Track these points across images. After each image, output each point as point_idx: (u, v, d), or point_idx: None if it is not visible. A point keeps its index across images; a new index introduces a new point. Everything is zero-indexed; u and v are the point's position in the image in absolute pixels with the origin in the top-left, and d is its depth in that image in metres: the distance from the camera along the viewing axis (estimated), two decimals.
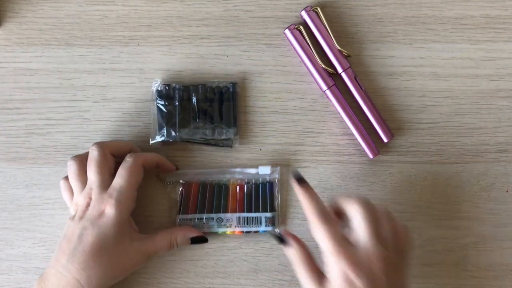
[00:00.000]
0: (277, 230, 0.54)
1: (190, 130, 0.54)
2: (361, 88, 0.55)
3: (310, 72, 0.55)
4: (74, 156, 0.51)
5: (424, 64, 0.56)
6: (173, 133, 0.54)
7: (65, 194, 0.52)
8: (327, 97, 0.55)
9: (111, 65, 0.56)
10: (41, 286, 0.48)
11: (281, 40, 0.56)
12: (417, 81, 0.56)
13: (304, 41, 0.55)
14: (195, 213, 0.54)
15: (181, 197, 0.54)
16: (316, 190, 0.45)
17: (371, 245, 0.41)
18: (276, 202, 0.54)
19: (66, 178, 0.52)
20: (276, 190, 0.54)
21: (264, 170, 0.54)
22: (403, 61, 0.56)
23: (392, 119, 0.56)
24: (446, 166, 0.56)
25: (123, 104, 0.56)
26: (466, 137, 0.56)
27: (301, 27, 0.55)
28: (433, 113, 0.56)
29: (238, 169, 0.55)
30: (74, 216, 0.49)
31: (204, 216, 0.54)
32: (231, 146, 0.55)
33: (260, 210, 0.54)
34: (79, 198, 0.50)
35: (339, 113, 0.55)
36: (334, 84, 0.55)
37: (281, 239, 0.46)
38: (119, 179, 0.49)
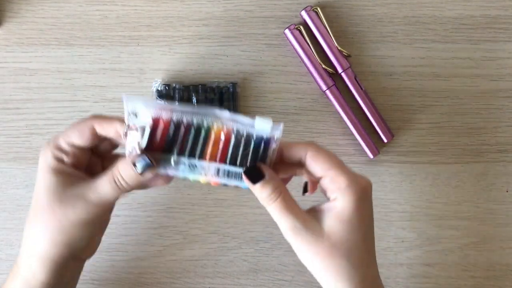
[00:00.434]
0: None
1: None
2: (361, 88, 0.55)
3: (310, 72, 0.55)
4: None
5: (424, 64, 0.56)
6: None
7: None
8: (327, 97, 0.55)
9: (111, 65, 0.56)
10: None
11: (281, 40, 0.56)
12: (417, 81, 0.56)
13: (304, 41, 0.55)
14: (163, 151, 0.41)
15: (147, 130, 0.41)
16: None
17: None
18: (268, 162, 0.42)
19: None
20: (272, 149, 0.42)
21: (262, 125, 0.41)
22: (403, 61, 0.56)
23: (392, 119, 0.56)
24: (446, 166, 0.56)
25: (123, 104, 0.56)
26: (466, 137, 0.56)
27: (301, 27, 0.55)
28: (433, 113, 0.56)
29: (226, 114, 0.42)
30: None
31: (172, 157, 0.41)
32: None
33: (248, 165, 0.42)
34: None
35: (339, 113, 0.55)
36: (334, 84, 0.55)
37: (255, 174, 0.40)
38: None
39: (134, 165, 0.40)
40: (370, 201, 0.41)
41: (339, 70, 0.55)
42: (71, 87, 0.56)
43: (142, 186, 0.43)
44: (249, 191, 0.43)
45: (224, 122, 0.42)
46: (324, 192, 0.42)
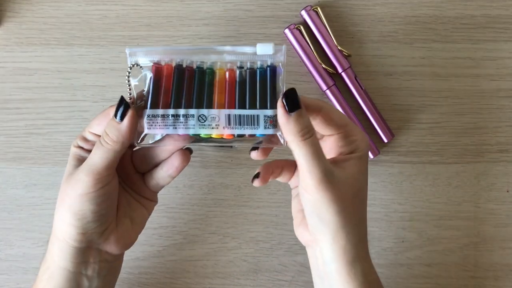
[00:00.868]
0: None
1: None
2: (361, 88, 0.55)
3: (310, 72, 0.55)
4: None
5: (425, 64, 0.56)
6: None
7: None
8: (327, 97, 0.55)
9: (110, 65, 0.56)
10: None
11: (281, 40, 0.56)
12: (418, 81, 0.56)
13: (304, 40, 0.55)
14: (169, 107, 0.40)
15: (150, 85, 0.40)
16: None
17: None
18: (280, 95, 0.39)
19: None
20: (280, 78, 0.40)
21: (264, 49, 0.39)
22: (403, 61, 0.56)
23: (392, 119, 0.56)
24: (447, 166, 0.56)
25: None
26: (466, 137, 0.56)
27: (301, 26, 0.55)
28: (433, 113, 0.56)
29: (227, 48, 0.40)
30: None
31: (181, 112, 0.40)
32: (231, 146, 0.55)
33: (258, 106, 0.40)
34: None
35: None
36: (334, 84, 0.55)
37: (293, 100, 0.39)
38: None
39: (115, 115, 0.40)
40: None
41: (339, 70, 0.55)
42: (70, 87, 0.56)
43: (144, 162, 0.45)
44: (261, 140, 0.41)
45: (225, 58, 0.40)
46: (335, 147, 0.43)
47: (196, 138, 0.42)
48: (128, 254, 0.55)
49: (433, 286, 0.55)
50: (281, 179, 0.46)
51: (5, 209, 0.55)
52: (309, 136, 0.39)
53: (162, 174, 0.46)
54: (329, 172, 0.40)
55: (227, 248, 0.55)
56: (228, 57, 0.40)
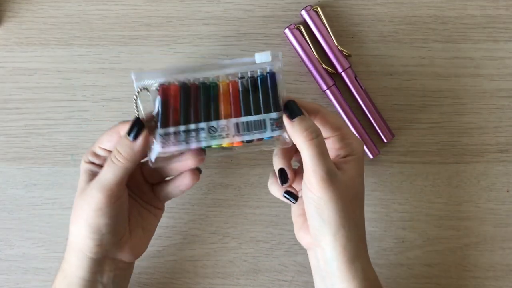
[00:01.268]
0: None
1: None
2: (361, 88, 0.55)
3: (310, 71, 0.55)
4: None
5: (425, 64, 0.56)
6: None
7: None
8: (327, 97, 0.55)
9: (110, 65, 0.56)
10: None
11: (281, 40, 0.56)
12: (418, 81, 0.56)
13: (304, 40, 0.55)
14: (180, 123, 0.42)
15: (159, 106, 0.42)
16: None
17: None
18: (282, 98, 0.43)
19: None
20: (279, 82, 0.43)
21: (263, 57, 0.42)
22: (403, 61, 0.56)
23: (392, 119, 0.56)
24: (447, 166, 0.56)
25: (122, 104, 0.56)
26: (466, 137, 0.56)
27: (301, 26, 0.55)
28: (433, 113, 0.56)
29: (227, 61, 0.43)
30: None
31: (192, 126, 0.42)
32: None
33: (262, 111, 0.42)
34: None
35: (339, 113, 0.55)
36: (334, 84, 0.55)
37: (293, 108, 0.42)
38: None
39: (128, 134, 0.42)
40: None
41: (339, 69, 0.55)
42: (70, 87, 0.56)
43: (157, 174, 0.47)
44: (272, 141, 0.44)
45: (226, 71, 0.42)
46: (333, 150, 0.45)
47: (208, 151, 0.44)
48: None
49: (433, 286, 0.55)
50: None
51: (5, 209, 0.55)
52: (315, 136, 0.42)
53: (173, 188, 0.48)
54: (333, 172, 0.42)
55: (227, 248, 0.55)
56: (229, 70, 0.42)
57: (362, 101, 0.55)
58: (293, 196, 0.46)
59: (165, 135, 0.42)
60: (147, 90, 0.42)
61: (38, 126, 0.56)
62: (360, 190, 0.45)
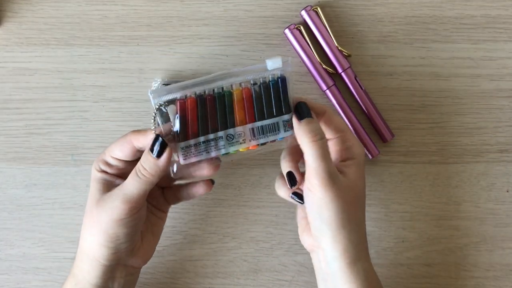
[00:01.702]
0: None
1: None
2: (361, 88, 0.55)
3: (310, 72, 0.55)
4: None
5: (425, 64, 0.56)
6: None
7: None
8: (327, 97, 0.55)
9: (110, 65, 0.56)
10: None
11: (281, 40, 0.56)
12: (417, 81, 0.56)
13: (304, 41, 0.55)
14: (198, 135, 0.44)
15: (178, 121, 0.44)
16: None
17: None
18: (291, 100, 0.45)
19: None
20: (290, 86, 0.45)
21: (274, 64, 0.44)
22: (403, 61, 0.56)
23: (392, 119, 0.56)
24: (446, 166, 0.56)
25: (122, 104, 0.56)
26: (466, 137, 0.56)
27: (301, 26, 0.55)
28: (433, 113, 0.56)
29: (237, 69, 0.44)
30: None
31: (211, 136, 0.44)
32: None
33: (275, 114, 0.45)
34: None
35: (339, 113, 0.55)
36: (334, 84, 0.55)
37: (303, 109, 0.44)
38: None
39: (152, 150, 0.43)
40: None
41: (339, 70, 0.55)
42: (70, 87, 0.56)
43: (178, 174, 0.46)
44: (284, 141, 0.46)
45: (239, 79, 0.44)
46: (335, 152, 0.47)
47: (224, 156, 0.46)
48: None
49: (433, 286, 0.55)
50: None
51: (5, 209, 0.56)
52: (319, 138, 0.43)
53: (185, 194, 0.50)
54: (334, 174, 0.43)
55: (227, 248, 0.55)
56: (241, 78, 0.44)
57: (362, 101, 0.55)
58: (300, 197, 0.46)
59: (186, 148, 0.44)
60: (165, 107, 0.44)
61: (38, 126, 0.56)
62: (361, 193, 0.46)
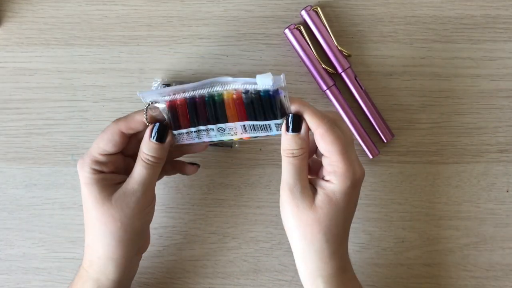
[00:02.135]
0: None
1: None
2: (361, 88, 0.55)
3: (310, 72, 0.55)
4: None
5: (425, 64, 0.56)
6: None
7: None
8: (327, 97, 0.55)
9: (110, 65, 0.56)
10: None
11: (281, 40, 0.56)
12: (418, 81, 0.56)
13: (304, 41, 0.55)
14: (190, 127, 0.45)
15: (168, 113, 0.45)
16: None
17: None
18: (286, 106, 0.43)
19: None
20: (282, 96, 0.42)
21: (264, 81, 0.41)
22: (403, 61, 0.56)
23: (392, 119, 0.56)
24: (446, 166, 0.56)
25: (122, 104, 0.56)
26: (466, 137, 0.56)
27: (301, 26, 0.55)
28: (433, 113, 0.56)
29: (230, 79, 0.42)
30: None
31: (202, 127, 0.44)
32: (231, 146, 0.55)
33: (267, 119, 0.44)
34: None
35: (339, 114, 0.55)
36: (334, 84, 0.55)
37: (295, 123, 0.43)
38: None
39: (151, 136, 0.44)
40: (359, 189, 0.45)
41: (339, 70, 0.55)
42: (70, 87, 0.56)
43: (175, 153, 0.48)
44: (278, 138, 0.45)
45: (230, 87, 0.43)
46: (322, 168, 0.45)
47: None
48: None
49: (433, 286, 0.55)
50: None
51: (5, 209, 0.56)
52: (293, 155, 0.43)
53: (172, 171, 0.51)
54: (296, 190, 0.44)
55: (227, 248, 0.55)
56: (233, 86, 0.43)
57: (362, 101, 0.55)
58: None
59: (179, 135, 0.45)
60: (155, 105, 0.44)
61: (38, 126, 0.56)
62: (327, 217, 0.43)
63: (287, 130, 0.43)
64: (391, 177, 0.56)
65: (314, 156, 0.49)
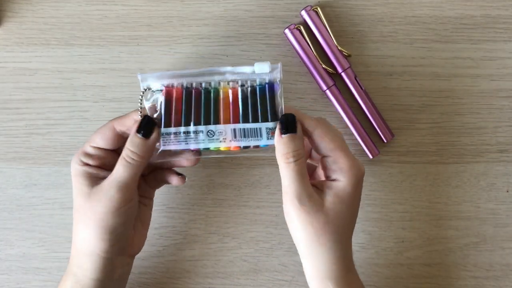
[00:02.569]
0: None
1: None
2: (361, 88, 0.55)
3: (310, 72, 0.55)
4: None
5: (425, 64, 0.56)
6: None
7: None
8: (327, 97, 0.55)
9: (110, 65, 0.56)
10: None
11: (281, 40, 0.56)
12: (418, 81, 0.56)
13: (304, 41, 0.55)
14: (180, 125, 0.45)
15: (162, 107, 0.45)
16: None
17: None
18: (279, 109, 0.44)
19: None
20: (278, 93, 0.44)
21: (262, 68, 0.44)
22: (403, 61, 0.56)
23: (392, 119, 0.56)
24: (446, 166, 0.56)
25: (122, 104, 0.56)
26: (466, 137, 0.56)
27: (301, 26, 0.55)
28: (433, 113, 0.56)
29: (229, 68, 0.45)
30: None
31: (191, 129, 0.44)
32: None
33: (260, 119, 0.44)
34: None
35: (339, 113, 0.55)
36: (334, 84, 0.55)
37: (290, 122, 0.43)
38: None
39: (139, 132, 0.43)
40: (362, 185, 0.46)
41: (339, 70, 0.55)
42: (70, 87, 0.56)
43: (158, 158, 0.46)
44: (266, 149, 0.45)
45: (228, 78, 0.45)
46: (324, 169, 0.45)
47: (206, 152, 0.46)
48: None
49: (433, 286, 0.55)
50: None
51: (5, 209, 0.56)
52: (293, 160, 0.42)
53: (164, 178, 0.50)
54: (303, 197, 0.42)
55: (227, 248, 0.55)
56: (230, 76, 0.44)
57: (362, 101, 0.55)
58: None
59: (166, 135, 0.44)
60: (152, 91, 0.45)
61: (38, 126, 0.56)
62: (338, 216, 0.44)
63: (282, 132, 0.43)
64: (391, 177, 0.56)
65: (308, 160, 0.49)
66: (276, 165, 0.55)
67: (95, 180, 0.45)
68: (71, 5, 0.56)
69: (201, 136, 0.44)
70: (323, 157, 0.45)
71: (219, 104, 0.44)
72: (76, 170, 0.45)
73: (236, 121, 0.44)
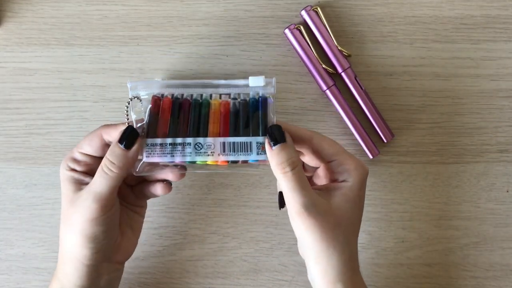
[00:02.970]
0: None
1: None
2: (361, 88, 0.55)
3: (310, 72, 0.55)
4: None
5: (425, 64, 0.56)
6: None
7: None
8: (327, 97, 0.55)
9: (110, 65, 0.56)
10: None
11: (281, 40, 0.56)
12: (418, 81, 0.56)
13: (304, 41, 0.55)
14: (167, 136, 0.43)
15: (148, 116, 0.44)
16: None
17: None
18: (271, 123, 0.44)
19: None
20: (270, 108, 0.44)
21: (256, 81, 0.43)
22: (403, 61, 0.56)
23: (392, 119, 0.56)
24: (446, 166, 0.56)
25: (122, 104, 0.56)
26: (466, 137, 0.56)
27: (301, 26, 0.55)
28: (433, 113, 0.56)
29: (222, 81, 0.44)
30: None
31: (179, 140, 0.42)
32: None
33: (250, 133, 0.43)
34: None
35: (339, 113, 0.55)
36: (334, 84, 0.55)
37: (277, 134, 0.42)
38: None
39: (121, 142, 0.42)
40: (366, 184, 0.46)
41: (339, 70, 0.55)
42: (70, 87, 0.56)
43: (137, 169, 0.45)
44: (257, 165, 0.44)
45: (220, 91, 0.44)
46: (330, 174, 0.46)
47: (191, 166, 0.45)
48: None
49: (433, 286, 0.55)
50: None
51: (5, 209, 0.56)
52: (290, 169, 0.41)
53: (149, 192, 0.49)
54: (308, 204, 0.41)
55: (227, 248, 0.55)
56: (223, 90, 0.44)
57: (362, 101, 0.55)
58: (281, 202, 0.45)
59: (152, 146, 0.43)
60: (139, 99, 0.44)
61: (38, 126, 0.56)
62: (348, 216, 0.44)
63: (271, 144, 0.42)
64: (391, 177, 0.56)
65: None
66: None
67: (79, 186, 0.45)
68: (71, 5, 0.56)
69: (188, 149, 0.42)
70: (326, 164, 0.45)
71: (209, 117, 0.43)
72: (63, 175, 0.46)
73: (225, 134, 0.43)
